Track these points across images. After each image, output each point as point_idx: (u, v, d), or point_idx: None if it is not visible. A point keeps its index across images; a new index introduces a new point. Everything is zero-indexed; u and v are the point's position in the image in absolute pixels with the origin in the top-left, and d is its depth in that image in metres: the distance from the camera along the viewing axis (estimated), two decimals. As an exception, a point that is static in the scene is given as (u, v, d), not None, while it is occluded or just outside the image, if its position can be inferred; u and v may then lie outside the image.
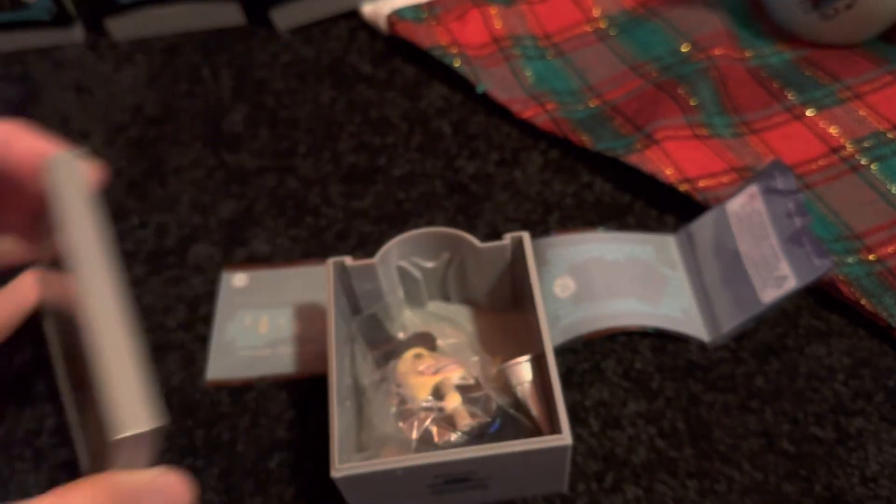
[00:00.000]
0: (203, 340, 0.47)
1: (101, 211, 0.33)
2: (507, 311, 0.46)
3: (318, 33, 0.64)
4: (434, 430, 0.37)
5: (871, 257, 0.45)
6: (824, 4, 0.54)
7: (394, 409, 0.38)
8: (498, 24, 0.60)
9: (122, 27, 0.64)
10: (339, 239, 0.51)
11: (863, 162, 0.50)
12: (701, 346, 0.45)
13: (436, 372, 0.39)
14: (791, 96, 0.54)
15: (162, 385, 0.46)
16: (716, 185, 0.49)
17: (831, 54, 0.56)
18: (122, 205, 0.54)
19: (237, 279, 0.50)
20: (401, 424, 0.37)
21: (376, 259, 0.41)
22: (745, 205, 0.45)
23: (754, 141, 0.52)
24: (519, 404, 0.40)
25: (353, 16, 0.65)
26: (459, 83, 0.59)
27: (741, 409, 0.42)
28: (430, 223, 0.51)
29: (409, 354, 0.41)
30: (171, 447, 0.43)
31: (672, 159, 0.49)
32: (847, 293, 0.44)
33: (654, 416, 0.43)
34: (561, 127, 0.54)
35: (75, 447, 0.37)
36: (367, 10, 0.63)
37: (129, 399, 0.28)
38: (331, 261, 0.41)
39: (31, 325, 0.41)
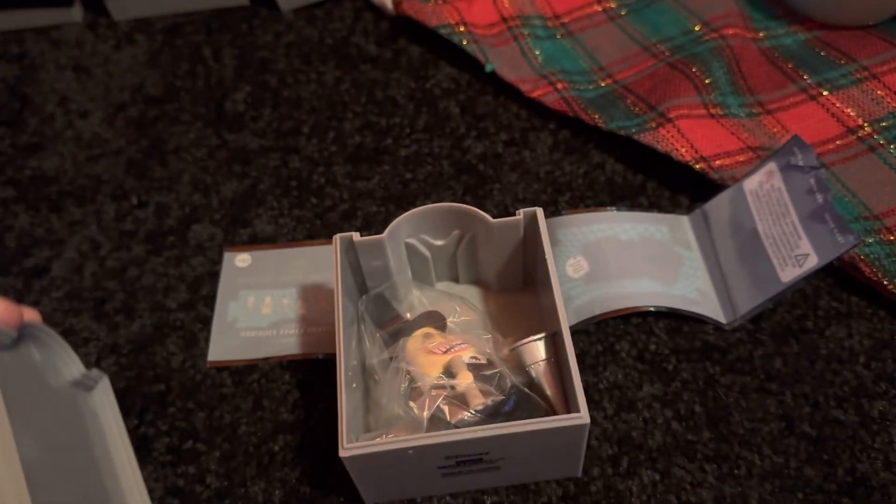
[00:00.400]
0: (205, 321, 0.46)
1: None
2: (517, 291, 0.45)
3: (321, 14, 0.62)
4: (446, 408, 0.35)
5: (891, 237, 0.44)
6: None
7: (403, 389, 0.37)
8: (506, 3, 0.59)
9: (122, 7, 0.63)
10: (343, 219, 0.50)
11: (881, 142, 0.49)
12: (717, 327, 0.43)
13: (447, 350, 0.38)
14: (806, 77, 0.53)
15: (162, 367, 0.44)
16: (731, 164, 0.48)
17: (846, 35, 0.55)
18: (121, 184, 0.53)
19: (240, 259, 0.48)
20: (411, 404, 0.36)
21: (385, 235, 0.39)
22: (763, 182, 0.44)
23: (769, 121, 0.51)
24: (533, 383, 0.38)
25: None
26: (467, 64, 0.57)
27: (760, 391, 0.41)
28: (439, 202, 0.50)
29: (419, 333, 0.39)
30: (172, 430, 0.42)
31: (687, 138, 0.48)
32: (868, 273, 0.43)
33: (671, 398, 0.41)
34: (572, 106, 0.52)
35: None
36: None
37: None
38: (338, 236, 0.39)
39: None
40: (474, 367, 0.37)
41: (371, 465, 0.34)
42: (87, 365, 0.44)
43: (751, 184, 0.45)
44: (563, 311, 0.37)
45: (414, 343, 0.38)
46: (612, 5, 0.59)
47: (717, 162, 0.47)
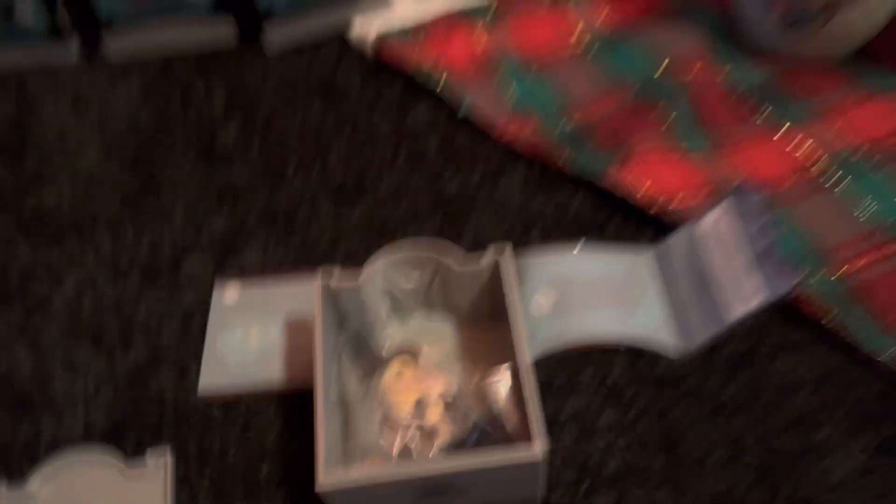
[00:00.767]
0: (196, 354, 0.49)
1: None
2: (489, 321, 0.48)
3: (308, 52, 0.66)
4: (413, 446, 0.39)
5: (840, 273, 0.47)
6: (798, 24, 0.56)
7: (377, 423, 0.40)
8: (482, 43, 0.62)
9: (118, 46, 0.66)
10: (328, 251, 0.53)
11: (836, 178, 0.51)
12: (673, 358, 0.47)
13: (418, 385, 0.41)
14: (766, 113, 0.56)
15: (156, 399, 0.48)
16: (690, 203, 0.50)
17: (807, 71, 0.58)
18: (117, 217, 0.56)
19: (229, 292, 0.51)
20: (381, 443, 0.39)
21: (360, 281, 0.42)
22: (717, 222, 0.47)
23: (729, 157, 0.54)
24: (498, 416, 0.41)
25: (342, 39, 0.67)
26: (445, 101, 0.60)
27: (710, 419, 0.44)
28: (417, 235, 0.53)
29: (393, 369, 0.42)
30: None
31: (646, 178, 0.51)
32: (812, 309, 0.46)
33: (627, 426, 0.45)
34: (540, 149, 0.55)
35: None
36: (355, 31, 0.65)
37: None
38: (318, 282, 0.42)
39: None
40: (444, 402, 0.41)
41: (346, 498, 0.38)
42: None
43: (706, 223, 0.48)
44: (524, 346, 0.40)
45: (388, 380, 0.41)
46: (584, 45, 0.62)
47: (676, 201, 0.50)
